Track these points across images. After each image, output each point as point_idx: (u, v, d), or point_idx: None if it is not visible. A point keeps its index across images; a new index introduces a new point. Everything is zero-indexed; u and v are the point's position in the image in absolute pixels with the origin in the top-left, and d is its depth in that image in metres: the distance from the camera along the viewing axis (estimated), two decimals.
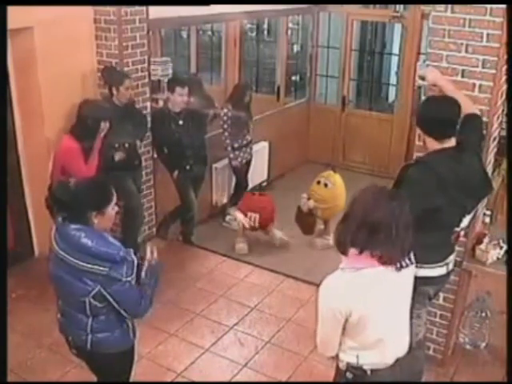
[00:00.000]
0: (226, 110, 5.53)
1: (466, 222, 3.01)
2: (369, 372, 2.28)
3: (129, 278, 2.46)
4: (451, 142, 2.83)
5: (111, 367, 2.75)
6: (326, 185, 5.24)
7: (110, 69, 4.63)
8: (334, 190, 5.25)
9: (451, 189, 2.76)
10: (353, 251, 2.15)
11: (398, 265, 2.16)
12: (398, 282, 2.23)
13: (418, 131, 3.05)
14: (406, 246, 2.14)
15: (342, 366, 2.34)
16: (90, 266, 2.42)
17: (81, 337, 2.60)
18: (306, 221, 5.26)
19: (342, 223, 2.20)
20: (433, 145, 2.85)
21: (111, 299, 2.48)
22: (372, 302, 2.16)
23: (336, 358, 2.37)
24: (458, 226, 2.98)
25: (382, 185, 2.27)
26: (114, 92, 4.47)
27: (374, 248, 2.10)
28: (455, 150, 2.84)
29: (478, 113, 3.02)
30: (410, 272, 2.28)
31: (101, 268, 2.42)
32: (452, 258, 3.10)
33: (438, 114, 2.81)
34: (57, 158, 4.13)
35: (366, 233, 2.09)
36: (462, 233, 3.15)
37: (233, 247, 5.40)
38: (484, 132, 3.08)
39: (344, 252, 2.18)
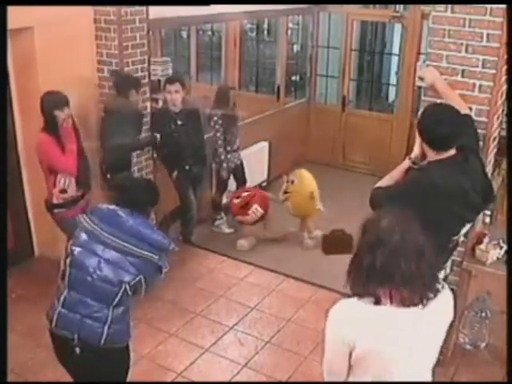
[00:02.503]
0: (216, 115, 5.33)
1: (466, 229, 2.99)
2: None
3: (166, 270, 2.63)
4: (450, 152, 2.75)
5: (114, 363, 2.72)
6: (292, 181, 5.43)
7: (121, 73, 4.64)
8: (298, 185, 5.41)
9: (451, 202, 2.70)
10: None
11: (423, 301, 1.88)
12: (426, 320, 1.92)
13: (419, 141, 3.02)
14: (426, 279, 1.87)
15: None
16: (144, 252, 2.54)
17: (95, 330, 2.55)
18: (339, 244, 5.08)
19: (353, 269, 1.94)
20: (431, 155, 2.77)
21: (144, 283, 2.58)
22: (383, 341, 1.89)
23: None
24: (456, 235, 2.95)
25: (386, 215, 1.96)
26: (131, 95, 4.49)
27: (395, 291, 1.86)
28: (459, 159, 2.75)
29: (470, 112, 3.01)
30: (438, 304, 1.93)
31: (155, 256, 2.56)
32: (448, 262, 3.10)
33: (440, 127, 2.67)
34: (38, 156, 4.09)
35: (381, 279, 1.85)
36: (461, 238, 3.12)
37: (233, 247, 5.40)
38: (479, 131, 3.06)
39: (361, 296, 1.92)
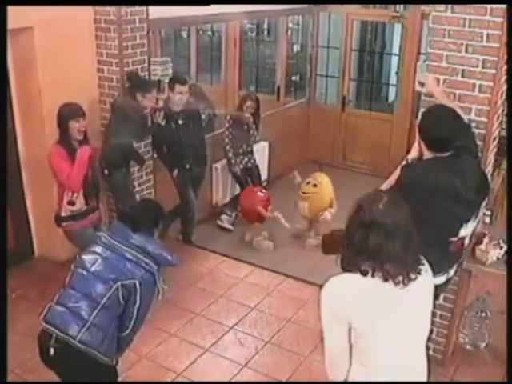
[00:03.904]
0: (228, 117, 5.64)
1: (467, 230, 2.97)
2: None
3: (164, 287, 2.71)
4: (447, 154, 2.81)
5: (86, 374, 2.66)
6: (314, 185, 5.43)
7: (136, 74, 4.68)
8: (320, 189, 5.45)
9: (442, 198, 2.73)
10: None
11: (405, 280, 1.97)
12: (408, 300, 2.02)
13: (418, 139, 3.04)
14: (410, 259, 1.98)
15: None
16: (142, 257, 2.64)
17: (73, 327, 2.54)
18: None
19: (344, 244, 2.05)
20: (428, 155, 2.84)
21: (138, 298, 2.58)
22: (379, 315, 1.98)
23: None
24: (455, 235, 2.93)
25: (377, 193, 2.11)
26: (139, 98, 4.51)
27: (378, 268, 1.96)
28: (450, 156, 2.80)
29: (466, 120, 3.04)
30: (420, 284, 2.03)
31: (152, 265, 2.66)
32: (454, 267, 3.07)
33: (439, 129, 2.75)
34: (49, 166, 4.03)
35: (370, 256, 1.95)
36: (467, 241, 3.09)
37: (233, 247, 5.41)
38: (479, 131, 3.09)
39: (348, 272, 2.04)
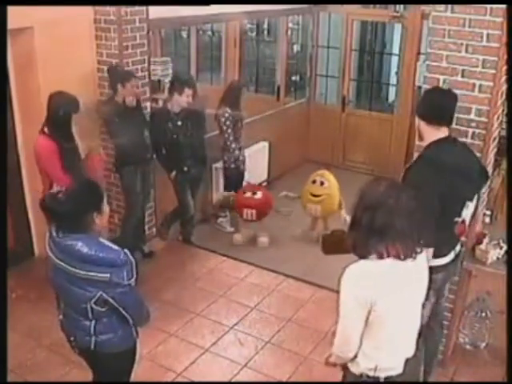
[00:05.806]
0: (228, 111, 5.36)
1: (466, 212, 3.05)
2: (382, 380, 2.26)
3: (130, 282, 2.46)
4: (445, 131, 2.92)
5: (114, 366, 2.76)
6: (322, 183, 5.40)
7: (115, 68, 4.65)
8: (330, 188, 5.42)
9: (451, 174, 2.82)
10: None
11: (413, 254, 2.13)
12: (416, 272, 2.20)
13: (417, 124, 3.08)
14: (416, 234, 2.14)
15: (357, 369, 2.29)
16: (91, 273, 2.42)
17: (84, 338, 2.62)
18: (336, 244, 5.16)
19: (353, 230, 2.17)
20: (428, 134, 2.93)
21: (115, 303, 2.48)
22: (396, 293, 2.12)
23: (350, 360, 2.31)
24: (459, 215, 3.00)
25: (379, 180, 2.23)
26: (120, 89, 4.49)
27: (391, 247, 2.09)
28: (450, 140, 2.94)
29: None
30: (422, 258, 2.23)
31: (102, 275, 2.42)
32: (458, 246, 3.16)
33: (437, 101, 2.93)
34: (36, 160, 3.96)
35: (379, 236, 2.08)
36: (467, 228, 3.16)
37: (233, 247, 5.41)
38: (479, 131, 3.16)
39: (363, 257, 2.15)
